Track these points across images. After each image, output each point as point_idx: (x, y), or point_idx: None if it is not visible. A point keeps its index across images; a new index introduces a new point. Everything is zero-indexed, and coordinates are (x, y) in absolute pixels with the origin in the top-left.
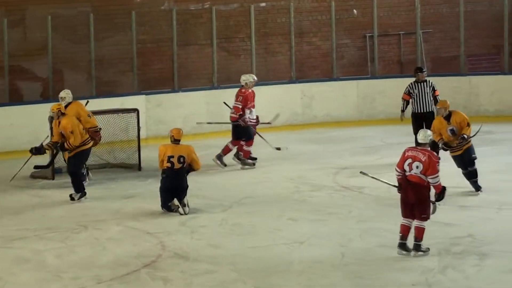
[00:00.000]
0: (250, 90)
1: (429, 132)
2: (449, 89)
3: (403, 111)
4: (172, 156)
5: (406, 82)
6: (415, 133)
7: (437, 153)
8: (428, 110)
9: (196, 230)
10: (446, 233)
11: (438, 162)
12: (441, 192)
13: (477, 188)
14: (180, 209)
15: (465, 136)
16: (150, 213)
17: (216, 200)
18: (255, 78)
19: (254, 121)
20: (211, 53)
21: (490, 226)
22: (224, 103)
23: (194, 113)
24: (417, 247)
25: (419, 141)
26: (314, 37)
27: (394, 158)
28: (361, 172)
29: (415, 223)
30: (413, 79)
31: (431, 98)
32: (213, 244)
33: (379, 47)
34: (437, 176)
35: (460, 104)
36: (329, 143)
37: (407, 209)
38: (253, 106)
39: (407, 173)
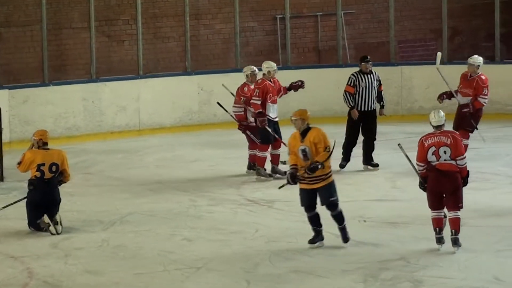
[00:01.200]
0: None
1: (442, 112)
2: None
3: (353, 107)
4: (43, 164)
5: (324, 73)
6: (349, 135)
7: (295, 183)
8: (371, 108)
9: (70, 254)
10: (374, 255)
11: (462, 140)
12: (467, 176)
13: (345, 239)
14: (52, 228)
15: (318, 165)
16: (15, 233)
17: (94, 216)
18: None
19: (274, 119)
20: (89, 38)
21: (425, 247)
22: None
23: (68, 112)
24: (457, 241)
25: (434, 124)
26: (214, 20)
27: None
28: (399, 145)
29: (450, 214)
30: (336, 70)
31: (375, 94)
32: (92, 270)
33: (292, 31)
34: (465, 157)
35: (390, 101)
36: (232, 147)
37: (437, 200)
38: (275, 101)
39: (435, 163)
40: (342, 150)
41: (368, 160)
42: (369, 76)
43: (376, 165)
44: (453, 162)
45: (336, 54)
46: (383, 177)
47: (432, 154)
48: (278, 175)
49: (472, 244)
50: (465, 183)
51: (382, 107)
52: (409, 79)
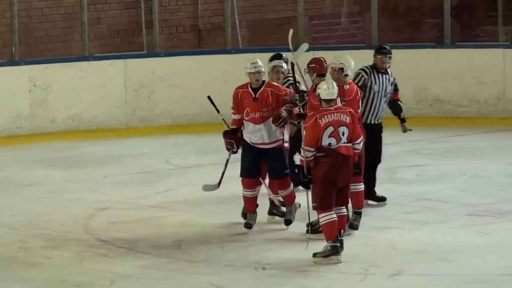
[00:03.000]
0: None
1: (335, 83)
2: None
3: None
4: None
5: (207, 61)
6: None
7: None
8: (379, 121)
9: None
10: None
11: None
12: (358, 163)
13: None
14: None
15: None
16: None
17: None
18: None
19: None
20: None
21: None
22: (209, 98)
23: None
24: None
25: (327, 96)
26: None
27: (189, 188)
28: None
29: (338, 211)
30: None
31: (386, 103)
32: None
33: (160, 2)
34: (362, 140)
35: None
36: (78, 166)
37: (333, 195)
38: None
39: (334, 146)
40: None
41: (369, 191)
42: (384, 76)
43: (383, 199)
44: (350, 145)
45: (223, 36)
46: None
47: (331, 136)
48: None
49: None
50: (359, 169)
51: (403, 120)
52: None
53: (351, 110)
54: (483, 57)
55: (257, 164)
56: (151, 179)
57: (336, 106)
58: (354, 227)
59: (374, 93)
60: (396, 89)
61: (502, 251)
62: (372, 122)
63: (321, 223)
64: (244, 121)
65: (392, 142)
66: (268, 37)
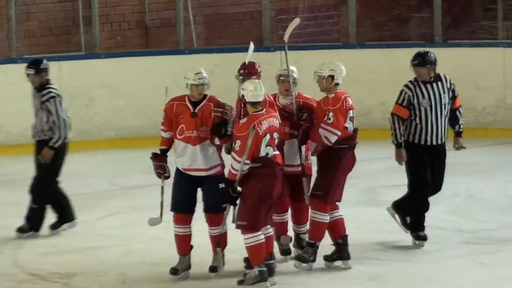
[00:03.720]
0: None
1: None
2: None
3: (399, 144)
4: None
5: (155, 63)
6: (415, 188)
7: None
8: (441, 141)
9: None
10: None
11: None
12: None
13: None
14: None
15: None
16: None
17: None
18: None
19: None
20: None
21: None
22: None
23: None
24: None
25: (254, 98)
26: None
27: (135, 212)
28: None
29: (266, 231)
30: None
31: (447, 116)
32: None
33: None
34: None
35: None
36: (2, 187)
37: (266, 210)
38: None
39: (270, 155)
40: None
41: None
42: (435, 86)
43: (424, 238)
44: (278, 153)
45: (174, 33)
46: None
47: (268, 145)
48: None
49: None
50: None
51: (458, 134)
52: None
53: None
54: (480, 57)
55: (192, 196)
56: (90, 203)
57: (265, 109)
58: (303, 260)
59: (425, 109)
60: (454, 96)
61: (506, 286)
62: (434, 143)
63: (247, 246)
64: (175, 140)
65: (373, 158)
66: (227, 35)
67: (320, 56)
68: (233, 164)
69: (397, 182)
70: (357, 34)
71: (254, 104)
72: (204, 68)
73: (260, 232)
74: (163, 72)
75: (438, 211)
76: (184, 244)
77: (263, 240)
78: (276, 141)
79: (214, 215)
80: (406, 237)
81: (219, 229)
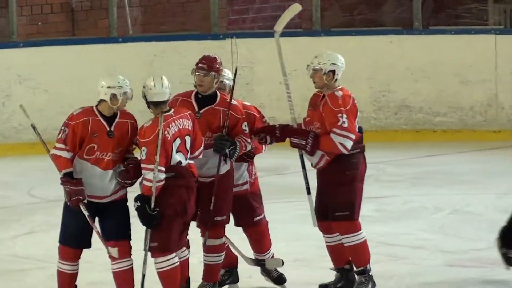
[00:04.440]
0: None
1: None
2: None
3: None
4: None
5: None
6: None
7: None
8: None
9: None
10: None
11: None
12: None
13: None
14: None
15: None
16: None
17: None
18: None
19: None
20: None
21: None
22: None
23: None
24: None
25: (156, 98)
26: None
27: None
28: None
29: (183, 255)
30: None
31: None
32: None
33: None
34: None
35: None
36: None
37: (182, 230)
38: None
39: (184, 163)
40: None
41: None
42: None
43: None
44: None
45: (105, 18)
46: None
47: (179, 150)
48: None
49: None
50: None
51: None
52: (250, 60)
53: (191, 112)
54: (467, 46)
55: (87, 229)
56: (7, 217)
57: (174, 109)
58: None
59: None
60: None
61: None
62: None
63: (159, 271)
64: (77, 161)
65: None
66: (168, 21)
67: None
68: (145, 175)
69: (371, 194)
70: (322, 19)
71: (156, 104)
72: (142, 59)
73: (174, 255)
74: (92, 63)
75: (416, 228)
76: (69, 283)
77: (177, 263)
78: (187, 146)
79: (117, 243)
80: (378, 257)
81: (123, 263)
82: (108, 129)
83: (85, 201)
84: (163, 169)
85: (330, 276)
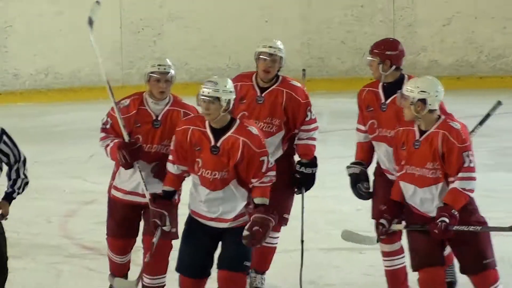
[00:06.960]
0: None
1: None
2: None
3: None
4: None
5: None
6: None
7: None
8: None
9: None
10: None
11: None
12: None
13: None
14: None
15: None
16: None
17: None
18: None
19: None
20: None
21: None
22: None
23: None
24: None
25: None
26: None
27: None
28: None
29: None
30: None
31: None
32: None
33: None
34: None
35: None
36: (49, 141)
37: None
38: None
39: None
40: None
41: None
42: None
43: None
44: None
45: None
46: None
47: None
48: None
49: None
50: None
51: None
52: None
53: None
54: None
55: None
56: None
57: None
58: None
59: None
60: None
61: None
62: None
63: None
64: (194, 180)
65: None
66: None
67: None
68: None
69: None
70: None
71: None
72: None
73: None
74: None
75: None
76: None
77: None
78: None
79: (233, 274)
80: None
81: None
82: (212, 143)
83: (167, 226)
84: None
85: None
